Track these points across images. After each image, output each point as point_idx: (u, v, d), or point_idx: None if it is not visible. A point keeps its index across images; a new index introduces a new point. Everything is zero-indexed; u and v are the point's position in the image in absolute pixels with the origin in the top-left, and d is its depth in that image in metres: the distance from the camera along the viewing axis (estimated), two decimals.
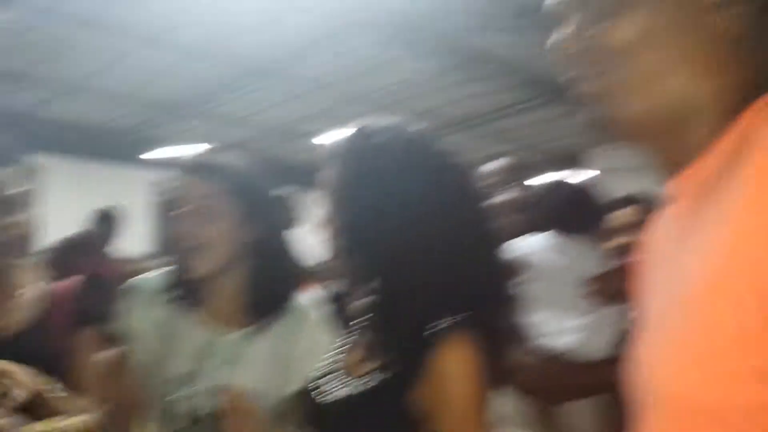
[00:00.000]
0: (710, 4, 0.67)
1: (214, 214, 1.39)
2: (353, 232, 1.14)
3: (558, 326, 2.77)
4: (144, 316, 1.49)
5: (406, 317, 1.09)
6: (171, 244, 1.40)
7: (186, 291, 1.48)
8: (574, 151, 10.82)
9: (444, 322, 1.07)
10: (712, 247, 0.62)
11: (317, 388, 1.21)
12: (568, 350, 2.76)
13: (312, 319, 1.47)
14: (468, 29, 6.19)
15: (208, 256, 1.39)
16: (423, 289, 1.09)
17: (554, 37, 0.78)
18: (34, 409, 1.29)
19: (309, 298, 1.55)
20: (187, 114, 9.70)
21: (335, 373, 1.21)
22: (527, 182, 3.23)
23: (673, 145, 0.73)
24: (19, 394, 1.26)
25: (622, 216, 3.39)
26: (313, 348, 1.42)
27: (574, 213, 3.04)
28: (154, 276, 1.52)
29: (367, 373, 1.13)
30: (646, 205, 3.31)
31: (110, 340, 1.53)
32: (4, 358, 1.39)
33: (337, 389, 1.16)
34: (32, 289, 1.58)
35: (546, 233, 3.05)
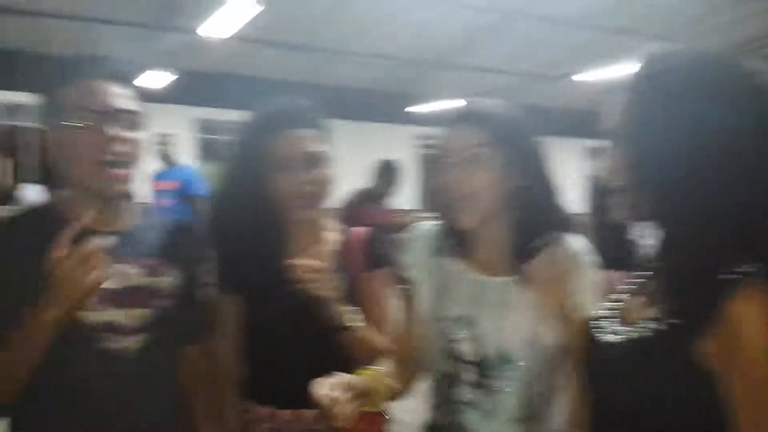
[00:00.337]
0: None
1: (480, 163, 1.38)
2: (647, 169, 1.03)
3: None
4: (421, 263, 1.54)
5: (699, 261, 0.97)
6: (438, 196, 1.44)
7: (455, 240, 1.49)
8: None
9: (741, 269, 0.95)
10: None
11: (590, 333, 1.16)
12: None
13: (582, 264, 1.43)
14: None
15: (476, 206, 1.38)
16: (720, 231, 0.97)
17: None
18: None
19: (577, 243, 1.50)
20: (448, 67, 9.97)
21: (610, 319, 1.15)
22: None
23: None
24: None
25: None
26: (584, 292, 1.40)
27: None
28: (428, 225, 1.57)
29: (646, 320, 1.06)
30: None
31: (397, 283, 1.66)
32: (306, 303, 1.52)
33: (613, 336, 1.11)
34: (332, 235, 1.72)
35: None
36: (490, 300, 1.42)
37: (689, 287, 1.00)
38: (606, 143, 1.13)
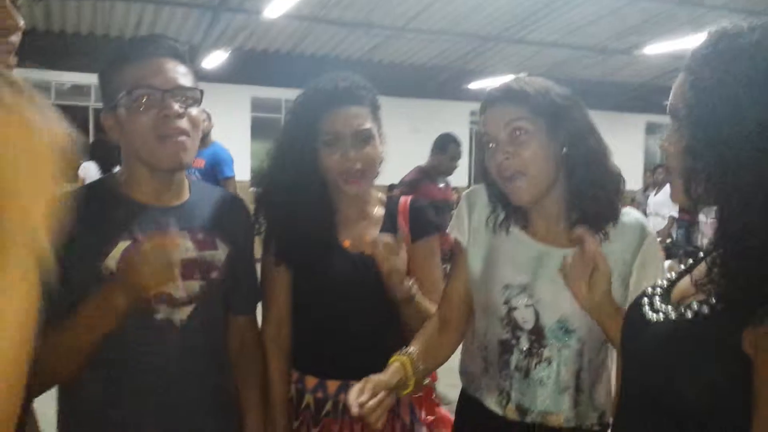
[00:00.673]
0: None
1: (523, 139, 1.39)
2: (705, 153, 1.00)
3: None
4: (476, 229, 1.55)
5: (754, 251, 0.94)
6: (491, 175, 1.45)
7: (514, 209, 1.49)
8: None
9: None
10: None
11: (639, 308, 1.15)
12: None
13: (641, 237, 1.42)
14: None
15: (527, 182, 1.39)
16: None
17: None
18: None
19: (635, 216, 1.46)
20: (506, 42, 9.83)
21: (660, 296, 1.14)
22: None
23: None
24: None
25: None
26: (642, 266, 1.40)
27: None
28: (485, 193, 1.56)
29: (692, 303, 1.04)
30: None
31: (447, 249, 1.66)
32: (361, 276, 1.58)
33: (654, 313, 1.10)
34: (379, 207, 1.74)
35: None
36: (551, 269, 1.42)
37: (743, 274, 0.97)
38: (667, 121, 1.09)
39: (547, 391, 1.40)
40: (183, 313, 1.40)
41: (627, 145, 11.82)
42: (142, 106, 1.35)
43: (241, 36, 9.66)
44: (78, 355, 1.29)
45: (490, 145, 1.43)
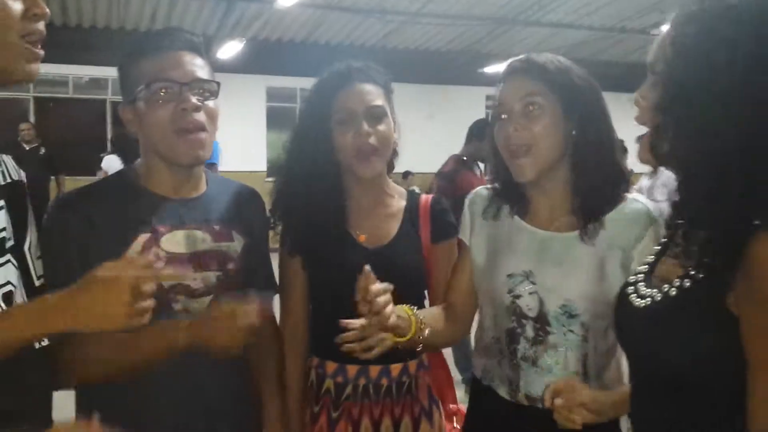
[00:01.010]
0: None
1: (535, 112, 1.39)
2: (671, 109, 1.00)
3: None
4: (478, 224, 1.55)
5: (735, 207, 0.94)
6: (500, 147, 1.44)
7: (515, 197, 1.50)
8: None
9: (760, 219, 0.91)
10: None
11: (626, 298, 1.15)
12: None
13: (646, 224, 1.40)
14: None
15: (534, 156, 1.39)
16: (740, 180, 0.94)
17: None
18: None
19: (640, 199, 1.45)
20: (521, 25, 9.74)
21: (643, 282, 1.14)
22: None
23: None
24: None
25: None
26: (644, 253, 1.35)
27: None
28: (484, 189, 1.59)
29: (678, 278, 1.03)
30: None
31: (460, 248, 1.63)
32: (376, 267, 1.48)
33: (639, 299, 1.10)
34: (397, 201, 1.71)
35: None
36: (553, 255, 1.42)
37: (713, 241, 0.97)
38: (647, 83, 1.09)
39: (555, 377, 1.39)
40: (200, 304, 1.41)
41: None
42: (160, 100, 1.36)
43: (255, 25, 9.67)
44: (115, 368, 1.30)
45: (503, 116, 1.42)
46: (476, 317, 1.59)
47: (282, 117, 11.44)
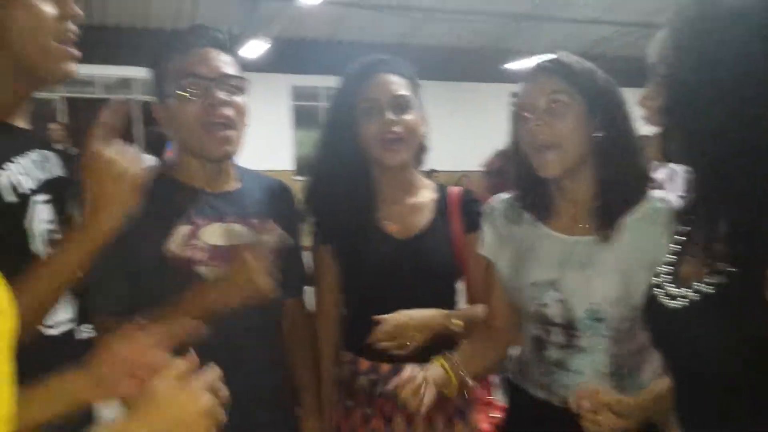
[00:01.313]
0: None
1: (559, 111, 1.39)
2: (681, 110, 1.00)
3: None
4: (499, 234, 1.55)
5: (741, 209, 0.96)
6: (524, 144, 1.44)
7: (539, 197, 1.49)
8: None
9: None
10: None
11: (655, 301, 1.14)
12: None
13: (667, 218, 1.37)
14: None
15: (560, 154, 1.38)
16: (757, 177, 0.94)
17: None
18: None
19: (664, 198, 1.43)
20: (545, 20, 9.68)
21: (670, 283, 1.12)
22: None
23: None
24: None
25: None
26: (667, 249, 1.30)
27: None
28: (504, 197, 1.58)
29: (712, 275, 1.02)
30: None
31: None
32: (404, 261, 1.59)
33: (671, 300, 1.09)
34: (427, 192, 1.71)
35: None
36: (578, 260, 1.41)
37: (747, 237, 0.97)
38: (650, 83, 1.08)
39: (586, 380, 1.39)
40: None
41: None
42: (188, 96, 1.39)
43: (279, 24, 9.72)
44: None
45: (526, 114, 1.42)
46: None
47: (307, 115, 11.48)
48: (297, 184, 1.71)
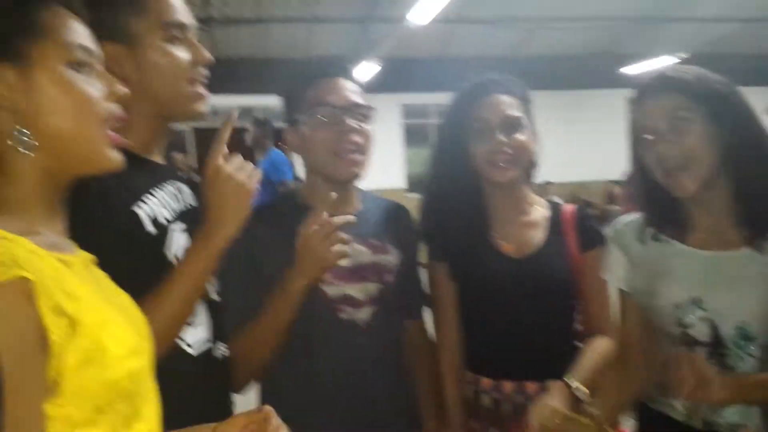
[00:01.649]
0: None
1: (685, 128, 1.34)
2: None
3: None
4: (629, 256, 1.51)
5: None
6: (653, 168, 1.40)
7: (672, 216, 1.45)
8: None
9: None
10: None
11: None
12: None
13: None
14: None
15: (694, 172, 1.34)
16: None
17: None
18: None
19: None
20: (665, 21, 9.29)
21: None
22: None
23: None
24: None
25: None
26: None
27: None
28: (631, 217, 1.54)
29: None
30: None
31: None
32: (521, 281, 1.57)
33: None
34: (540, 210, 1.70)
35: None
36: (724, 277, 1.35)
37: None
38: None
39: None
40: (364, 314, 1.50)
41: None
42: (321, 123, 1.49)
43: (388, 45, 9.89)
44: (265, 346, 1.41)
45: (647, 136, 1.38)
46: None
47: (418, 133, 11.59)
48: (410, 202, 1.75)
